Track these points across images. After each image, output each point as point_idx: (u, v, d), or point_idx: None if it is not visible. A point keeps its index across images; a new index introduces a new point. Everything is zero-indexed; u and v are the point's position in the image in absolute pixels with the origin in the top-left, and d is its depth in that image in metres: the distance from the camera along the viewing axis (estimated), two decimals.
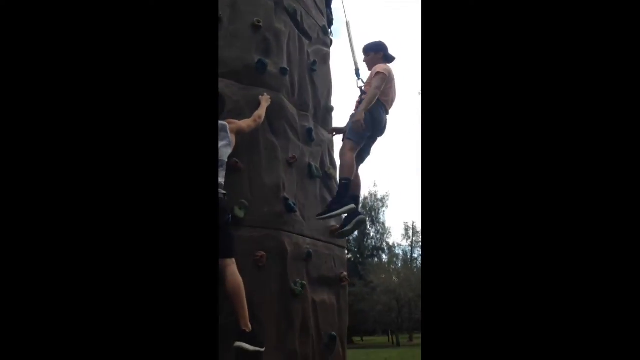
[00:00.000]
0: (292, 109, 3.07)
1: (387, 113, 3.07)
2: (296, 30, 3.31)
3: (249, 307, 2.26)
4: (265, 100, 2.71)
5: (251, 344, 2.02)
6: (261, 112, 2.62)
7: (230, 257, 2.12)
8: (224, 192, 2.20)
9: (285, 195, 2.70)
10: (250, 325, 2.06)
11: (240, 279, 2.09)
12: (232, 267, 2.09)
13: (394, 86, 3.09)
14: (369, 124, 2.86)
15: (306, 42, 3.45)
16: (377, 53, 3.10)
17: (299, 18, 3.35)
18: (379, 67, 2.95)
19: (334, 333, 2.73)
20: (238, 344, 2.01)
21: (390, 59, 3.14)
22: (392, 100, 3.11)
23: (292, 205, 2.71)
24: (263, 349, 2.09)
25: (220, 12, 2.76)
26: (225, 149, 2.26)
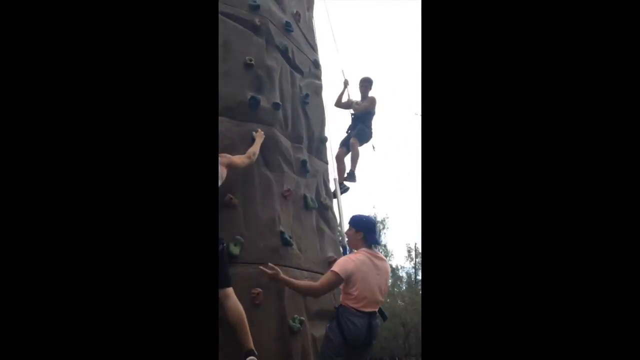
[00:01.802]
0: (286, 142, 3.11)
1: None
2: (288, 66, 3.40)
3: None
4: (259, 137, 2.76)
5: None
6: (255, 148, 2.66)
7: (229, 286, 2.13)
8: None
9: (281, 228, 2.70)
10: (251, 345, 2.07)
11: (240, 306, 2.11)
12: (232, 297, 2.11)
13: None
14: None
15: (298, 76, 3.53)
16: (357, 232, 2.35)
17: (290, 54, 3.44)
18: None
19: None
20: (251, 358, 2.02)
21: (371, 241, 2.35)
22: None
23: (289, 238, 2.70)
24: None
25: None
26: None
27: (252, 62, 2.95)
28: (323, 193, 3.38)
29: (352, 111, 4.39)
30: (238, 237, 2.44)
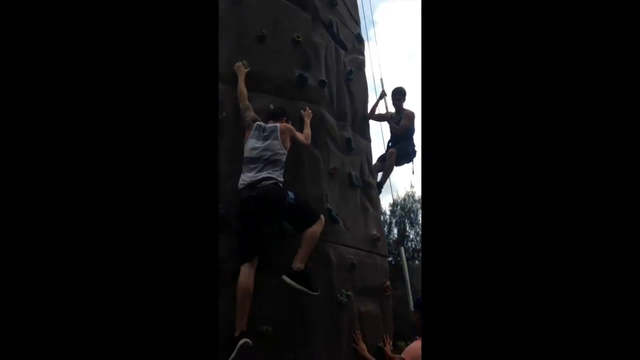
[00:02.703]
0: (332, 120, 3.12)
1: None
2: (333, 42, 3.36)
3: (299, 318, 2.34)
4: (307, 116, 2.78)
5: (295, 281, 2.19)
6: (309, 129, 2.69)
7: (245, 262, 2.21)
8: (282, 180, 2.35)
9: (329, 206, 2.76)
10: (245, 326, 2.11)
11: (247, 285, 2.15)
12: (243, 273, 2.18)
13: None
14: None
15: (342, 52, 3.49)
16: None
17: (335, 29, 3.39)
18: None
19: (380, 344, 2.77)
20: (285, 278, 2.17)
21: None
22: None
23: (336, 216, 2.76)
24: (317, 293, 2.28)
25: (263, 31, 2.84)
26: (278, 146, 2.39)
27: (300, 39, 2.94)
28: (367, 171, 3.40)
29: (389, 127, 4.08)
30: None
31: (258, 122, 2.48)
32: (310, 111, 2.81)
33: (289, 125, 2.51)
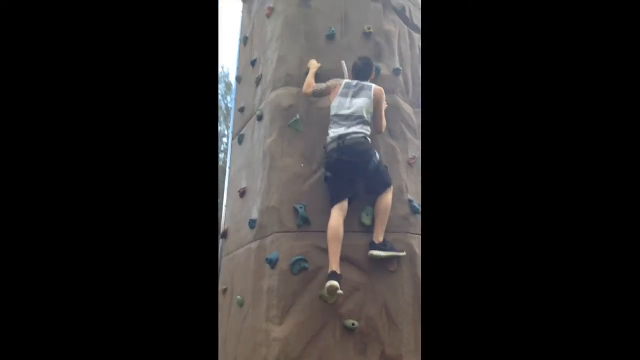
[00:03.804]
0: (408, 109, 3.03)
1: None
2: (406, 27, 3.24)
3: (385, 311, 2.37)
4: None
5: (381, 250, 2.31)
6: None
7: (334, 204, 2.33)
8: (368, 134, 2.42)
9: (409, 197, 2.71)
10: (336, 267, 2.20)
11: (337, 226, 2.26)
12: (333, 215, 2.30)
13: None
14: None
15: (416, 35, 3.35)
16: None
17: (407, 14, 3.26)
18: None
19: None
20: (372, 252, 2.30)
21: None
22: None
23: (417, 206, 2.71)
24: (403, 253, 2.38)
25: (333, 28, 2.88)
26: (370, 106, 2.46)
27: (371, 30, 2.90)
28: None
29: None
30: (369, 207, 2.54)
31: (347, 80, 2.56)
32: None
33: (382, 90, 2.53)
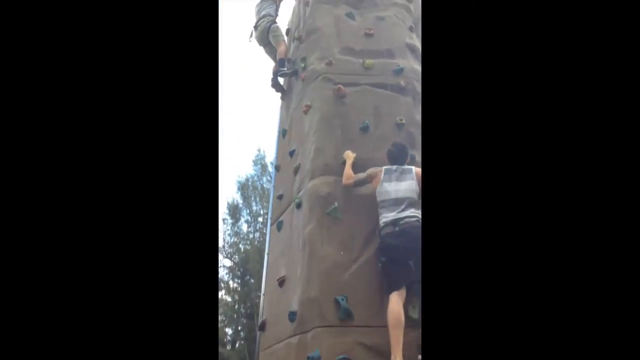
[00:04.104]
0: None
1: None
2: None
3: None
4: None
5: None
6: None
7: (394, 290, 2.24)
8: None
9: None
10: (399, 355, 2.05)
11: (398, 313, 2.15)
12: (392, 300, 2.20)
13: None
14: None
15: None
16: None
17: None
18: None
19: None
20: None
21: None
22: None
23: None
24: None
25: (366, 121, 3.07)
26: (416, 188, 2.50)
27: (403, 121, 3.07)
28: None
29: None
30: (415, 298, 2.43)
31: (386, 167, 2.63)
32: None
33: (420, 171, 2.57)
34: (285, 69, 3.86)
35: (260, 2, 4.30)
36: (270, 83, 4.11)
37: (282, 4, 4.43)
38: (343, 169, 2.82)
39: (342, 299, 2.36)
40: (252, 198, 13.08)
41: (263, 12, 4.16)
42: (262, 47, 4.26)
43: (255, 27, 4.18)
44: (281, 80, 4.13)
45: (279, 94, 4.25)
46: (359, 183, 2.70)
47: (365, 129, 3.04)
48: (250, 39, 4.28)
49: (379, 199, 2.53)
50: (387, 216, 2.41)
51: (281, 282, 2.97)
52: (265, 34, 4.09)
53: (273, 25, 4.07)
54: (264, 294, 3.36)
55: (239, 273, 11.80)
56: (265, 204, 12.53)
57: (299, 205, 3.04)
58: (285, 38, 4.24)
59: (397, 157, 2.68)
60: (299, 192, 3.12)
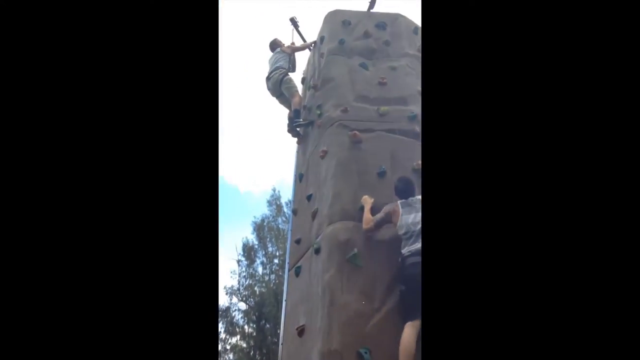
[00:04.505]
0: None
1: None
2: None
3: None
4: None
5: None
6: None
7: (411, 320, 2.21)
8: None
9: None
10: None
11: (409, 344, 2.11)
12: (406, 331, 2.18)
13: None
14: None
15: None
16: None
17: None
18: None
19: None
20: None
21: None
22: None
23: None
24: None
25: (383, 166, 3.11)
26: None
27: (419, 166, 3.10)
28: None
29: None
30: None
31: (400, 201, 2.68)
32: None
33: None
34: (301, 120, 4.00)
35: (274, 54, 4.51)
36: (287, 128, 4.25)
37: (297, 55, 4.66)
38: (361, 215, 2.83)
39: (365, 352, 2.28)
40: (268, 239, 13.04)
41: (276, 65, 4.34)
42: (275, 98, 4.43)
43: (268, 78, 4.36)
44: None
45: (295, 138, 4.38)
46: (380, 223, 2.71)
47: (382, 174, 3.08)
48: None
49: (401, 232, 2.54)
50: (413, 247, 2.42)
51: (300, 331, 2.90)
52: (278, 86, 4.22)
53: (286, 78, 4.25)
54: (282, 343, 3.27)
55: (254, 317, 11.53)
56: (280, 245, 12.46)
57: (317, 251, 3.02)
58: (299, 88, 4.42)
59: (405, 190, 2.74)
60: (317, 237, 3.12)
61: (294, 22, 4.87)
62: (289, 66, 4.41)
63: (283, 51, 4.47)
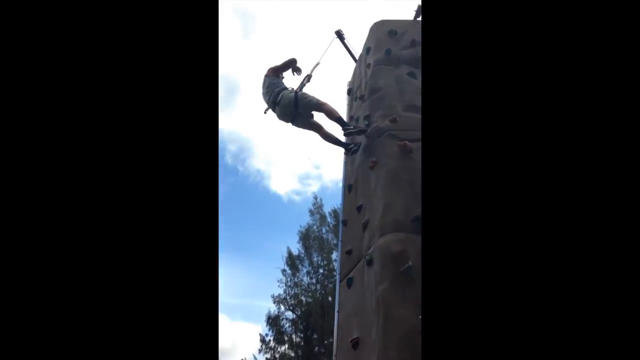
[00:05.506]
0: None
1: None
2: None
3: None
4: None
5: None
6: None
7: None
8: None
9: None
10: None
11: None
12: None
13: None
14: None
15: None
16: None
17: None
18: None
19: None
20: None
21: None
22: None
23: None
24: None
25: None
26: None
27: None
28: None
29: None
30: None
31: None
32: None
33: None
34: (352, 127, 3.79)
35: (264, 84, 3.90)
36: (343, 133, 3.85)
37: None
38: (413, 226, 2.78)
39: None
40: (313, 249, 13.12)
41: (277, 89, 3.78)
42: (289, 123, 3.80)
43: (276, 104, 3.75)
44: (342, 137, 4.11)
45: (343, 150, 4.37)
46: None
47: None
48: (266, 112, 3.98)
49: None
50: None
51: (355, 343, 2.88)
52: (293, 106, 3.66)
53: (300, 93, 3.74)
54: (335, 355, 3.26)
55: (301, 327, 11.60)
56: (324, 255, 12.48)
57: (369, 262, 3.00)
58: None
59: None
60: (368, 249, 3.10)
61: (339, 35, 4.92)
62: (299, 88, 3.92)
63: (267, 76, 3.96)
